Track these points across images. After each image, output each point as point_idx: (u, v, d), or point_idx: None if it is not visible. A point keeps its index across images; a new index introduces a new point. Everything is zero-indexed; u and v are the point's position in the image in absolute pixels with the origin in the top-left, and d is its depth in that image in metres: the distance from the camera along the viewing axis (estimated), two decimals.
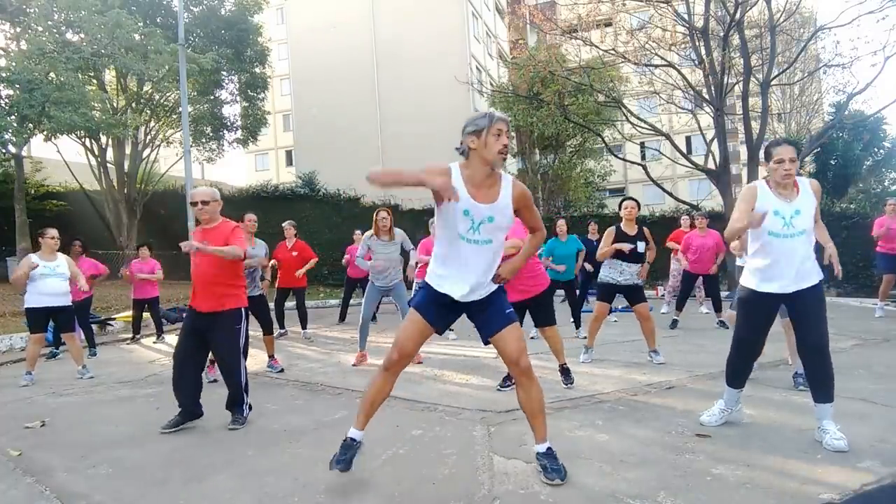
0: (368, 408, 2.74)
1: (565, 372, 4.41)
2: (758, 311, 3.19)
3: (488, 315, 2.69)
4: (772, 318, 3.22)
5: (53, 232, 5.68)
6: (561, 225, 7.51)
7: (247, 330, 3.97)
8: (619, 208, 5.35)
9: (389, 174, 2.54)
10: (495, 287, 2.70)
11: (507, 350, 2.66)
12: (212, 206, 3.81)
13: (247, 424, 3.78)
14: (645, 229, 5.34)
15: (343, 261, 9.32)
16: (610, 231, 5.25)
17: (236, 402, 3.78)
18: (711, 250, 7.62)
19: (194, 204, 3.79)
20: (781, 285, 3.08)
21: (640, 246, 5.22)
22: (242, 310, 3.84)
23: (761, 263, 3.13)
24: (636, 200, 5.39)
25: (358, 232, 9.46)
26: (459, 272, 2.62)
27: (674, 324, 7.78)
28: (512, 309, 2.75)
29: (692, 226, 9.25)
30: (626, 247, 5.08)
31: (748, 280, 3.23)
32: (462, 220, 2.57)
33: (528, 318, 4.52)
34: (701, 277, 7.88)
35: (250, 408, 3.85)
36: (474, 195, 2.56)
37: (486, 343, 2.74)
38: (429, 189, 2.47)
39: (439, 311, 2.71)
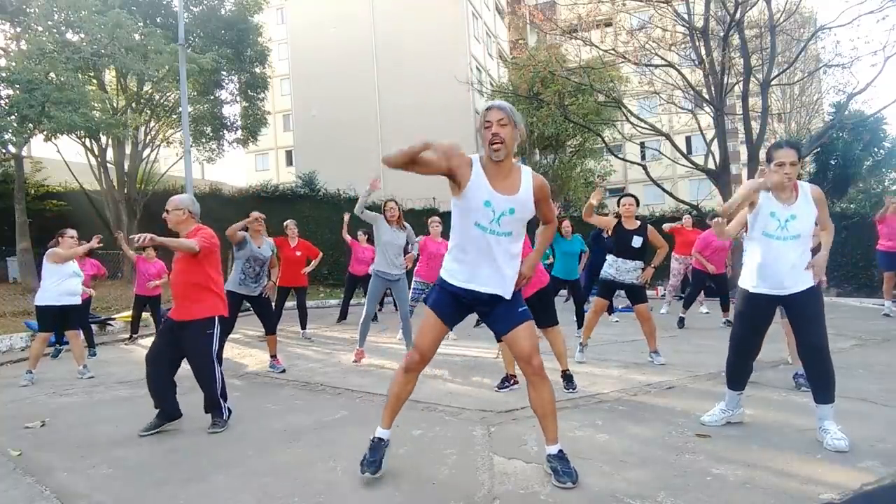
0: (394, 404, 2.77)
1: (568, 378, 4.34)
2: (752, 312, 3.22)
3: (503, 312, 2.67)
4: (767, 318, 3.23)
5: (73, 232, 5.77)
6: (566, 225, 7.49)
7: (220, 336, 3.89)
8: (618, 205, 5.38)
9: (401, 153, 2.44)
10: (513, 286, 2.67)
11: (520, 348, 2.65)
12: (174, 214, 3.79)
13: (247, 424, 3.78)
14: (650, 228, 5.29)
15: (343, 232, 8.65)
16: (612, 220, 5.35)
17: (213, 407, 3.76)
18: (727, 251, 7.66)
19: (166, 212, 3.84)
20: (773, 286, 3.11)
21: (637, 241, 5.22)
22: (216, 318, 3.80)
23: (754, 264, 3.17)
24: (634, 196, 5.40)
25: (361, 233, 9.36)
26: (480, 264, 2.60)
27: (681, 322, 7.77)
28: (526, 307, 2.73)
29: (694, 226, 9.27)
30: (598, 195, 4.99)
31: (744, 280, 3.26)
32: (483, 212, 2.55)
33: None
34: (710, 277, 7.88)
35: (230, 412, 3.81)
36: (494, 185, 2.56)
37: (499, 340, 2.74)
38: (445, 172, 2.51)
39: (454, 309, 2.71)
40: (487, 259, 2.59)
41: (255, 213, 5.60)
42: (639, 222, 5.30)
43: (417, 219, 14.48)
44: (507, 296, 2.65)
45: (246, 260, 5.43)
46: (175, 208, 3.80)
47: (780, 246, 3.07)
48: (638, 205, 5.36)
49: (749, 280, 3.20)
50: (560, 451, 2.70)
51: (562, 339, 4.37)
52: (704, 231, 8.06)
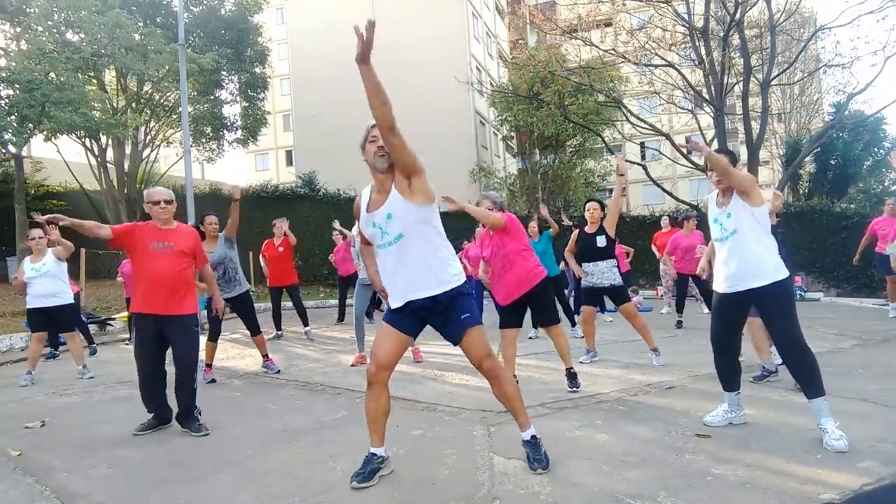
0: (373, 425, 2.74)
1: (572, 376, 4.35)
2: (721, 310, 3.34)
3: (449, 321, 2.69)
4: (737, 316, 3.32)
5: (35, 232, 5.62)
6: (532, 226, 7.39)
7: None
8: (583, 209, 5.51)
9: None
10: (451, 287, 2.64)
11: (470, 354, 2.71)
12: (173, 205, 3.79)
13: (247, 424, 3.79)
14: (604, 222, 5.39)
15: (331, 258, 9.31)
16: (573, 234, 5.54)
17: (190, 409, 3.69)
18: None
19: (157, 203, 3.71)
20: (728, 285, 3.23)
21: (601, 241, 5.30)
22: (196, 314, 3.83)
23: (716, 266, 3.37)
24: (599, 202, 5.55)
25: (336, 233, 9.35)
26: (397, 276, 2.65)
27: (679, 324, 7.79)
28: (471, 312, 2.71)
29: (673, 227, 9.25)
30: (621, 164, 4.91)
31: (714, 282, 3.41)
32: (374, 233, 2.65)
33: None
34: (691, 277, 7.88)
35: (199, 411, 3.77)
36: (369, 206, 2.67)
37: (456, 345, 2.74)
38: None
39: (404, 317, 2.71)
40: (400, 268, 2.62)
41: (207, 217, 5.55)
42: (598, 225, 5.42)
43: None
44: (440, 290, 2.61)
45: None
46: (174, 199, 3.80)
47: (725, 245, 3.23)
48: (602, 209, 5.50)
49: (714, 281, 3.39)
50: (533, 436, 2.79)
51: (564, 337, 4.39)
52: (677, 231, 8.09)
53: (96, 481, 2.90)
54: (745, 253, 3.14)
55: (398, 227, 2.58)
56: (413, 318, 2.71)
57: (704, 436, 3.19)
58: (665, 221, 9.50)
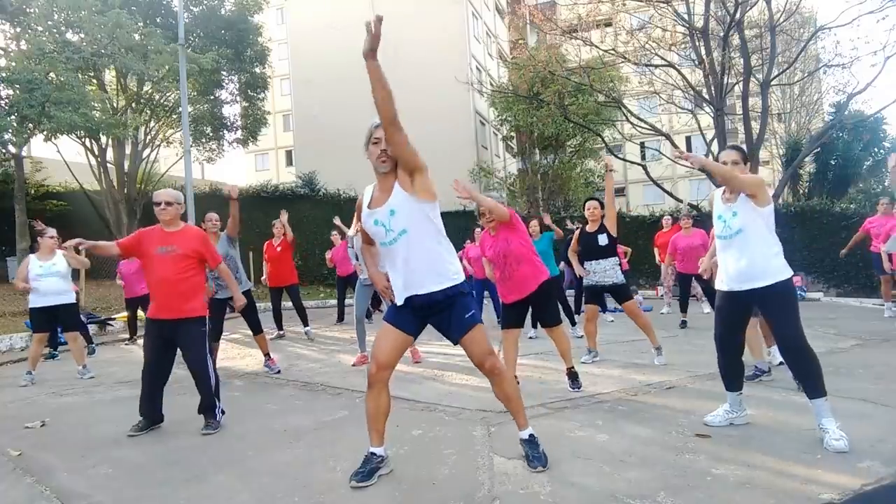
0: (373, 424, 2.75)
1: (573, 376, 4.36)
2: (724, 309, 3.34)
3: (450, 320, 2.70)
4: (741, 315, 3.31)
5: (52, 232, 5.77)
6: (534, 225, 7.40)
7: (208, 334, 3.88)
8: (583, 209, 5.53)
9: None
10: (451, 284, 2.66)
11: (471, 353, 2.73)
12: (175, 207, 3.80)
13: (247, 424, 3.78)
14: (606, 222, 5.39)
15: (327, 260, 9.23)
16: (575, 233, 5.59)
17: (208, 407, 3.74)
18: (698, 249, 7.54)
19: (157, 204, 3.78)
20: (729, 284, 3.24)
21: (603, 239, 5.31)
22: (205, 317, 3.82)
23: (719, 264, 3.36)
24: (598, 200, 5.54)
25: (335, 233, 9.28)
26: (402, 272, 2.65)
27: (683, 324, 7.77)
28: (473, 311, 2.74)
29: (674, 226, 9.23)
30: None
31: (716, 281, 3.42)
32: (377, 230, 2.66)
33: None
34: (694, 277, 7.86)
35: (223, 412, 3.80)
36: (372, 205, 2.67)
37: (456, 344, 2.76)
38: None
39: (406, 317, 2.73)
40: (405, 264, 2.63)
41: (208, 214, 5.60)
42: (599, 224, 5.43)
43: None
44: (441, 287, 2.64)
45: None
46: (177, 202, 3.82)
47: (728, 244, 3.22)
48: (602, 207, 5.48)
49: (717, 280, 3.38)
50: (531, 435, 2.82)
51: (565, 337, 4.40)
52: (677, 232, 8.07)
53: (96, 481, 2.90)
54: (750, 252, 3.13)
55: (402, 222, 2.59)
56: (414, 316, 2.73)
57: (704, 436, 3.19)
58: (666, 221, 9.47)
